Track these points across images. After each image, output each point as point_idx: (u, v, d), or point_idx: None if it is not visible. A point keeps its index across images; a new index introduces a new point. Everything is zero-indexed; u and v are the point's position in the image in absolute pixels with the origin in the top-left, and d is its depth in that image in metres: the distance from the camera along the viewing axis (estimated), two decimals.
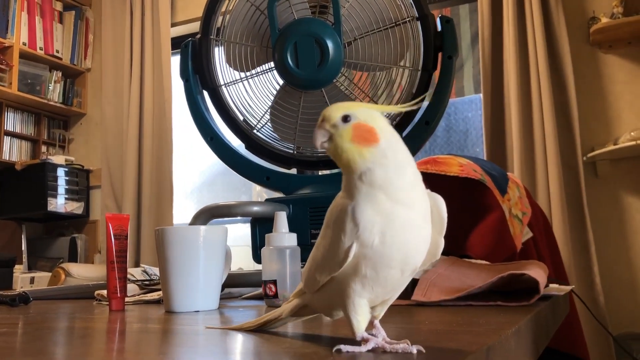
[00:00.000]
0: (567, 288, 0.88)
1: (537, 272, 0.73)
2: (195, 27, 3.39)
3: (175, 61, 3.39)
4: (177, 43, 3.45)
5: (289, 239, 0.79)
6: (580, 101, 2.33)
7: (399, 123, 1.06)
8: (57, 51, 3.43)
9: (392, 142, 0.36)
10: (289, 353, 0.37)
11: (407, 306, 0.72)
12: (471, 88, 2.83)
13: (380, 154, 0.36)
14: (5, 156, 3.24)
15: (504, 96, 2.48)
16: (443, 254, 0.98)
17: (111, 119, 3.35)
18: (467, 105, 3.01)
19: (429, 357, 0.33)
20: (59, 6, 3.51)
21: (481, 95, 2.56)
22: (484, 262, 0.96)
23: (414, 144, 1.03)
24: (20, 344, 0.45)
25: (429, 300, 0.71)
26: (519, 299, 0.68)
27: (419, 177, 0.37)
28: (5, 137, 3.24)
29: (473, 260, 0.96)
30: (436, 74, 1.07)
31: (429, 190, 0.39)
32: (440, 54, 1.05)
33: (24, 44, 3.24)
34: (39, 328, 0.58)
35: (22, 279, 2.97)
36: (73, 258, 3.25)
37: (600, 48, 2.37)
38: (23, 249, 3.26)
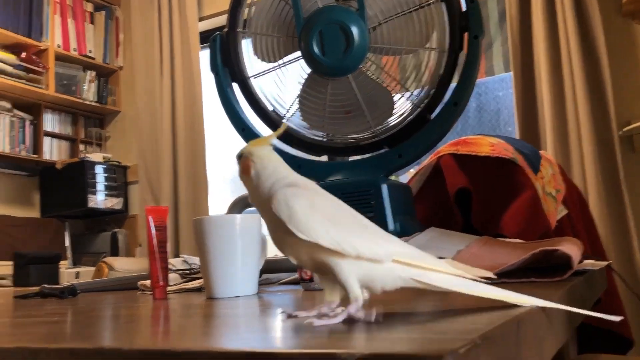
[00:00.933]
0: (603, 263, 0.88)
1: (570, 247, 0.74)
2: (222, 20, 3.42)
3: (204, 55, 3.43)
4: (205, 37, 3.49)
5: None
6: (614, 74, 2.28)
7: (427, 106, 1.06)
8: (90, 51, 3.51)
9: (264, 167, 0.45)
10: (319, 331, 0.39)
11: None
12: (501, 66, 2.79)
13: (255, 178, 0.46)
14: (46, 156, 3.34)
15: (535, 73, 2.44)
16: (477, 234, 0.98)
17: (145, 115, 3.42)
18: (498, 84, 2.97)
19: (462, 330, 0.34)
20: (89, 7, 3.59)
21: (511, 73, 2.53)
22: (517, 240, 0.96)
23: (442, 125, 1.03)
24: (72, 330, 0.48)
25: None
26: (553, 275, 0.69)
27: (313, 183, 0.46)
28: (45, 137, 3.35)
29: (507, 240, 0.96)
30: (463, 55, 1.07)
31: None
32: (466, 34, 1.05)
33: (59, 46, 3.33)
34: (88, 316, 0.61)
35: (68, 274, 3.08)
36: (114, 252, 3.35)
37: (634, 19, 2.31)
38: (67, 245, 3.37)
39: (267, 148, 0.47)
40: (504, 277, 0.71)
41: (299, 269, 0.80)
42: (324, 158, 1.17)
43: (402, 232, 0.97)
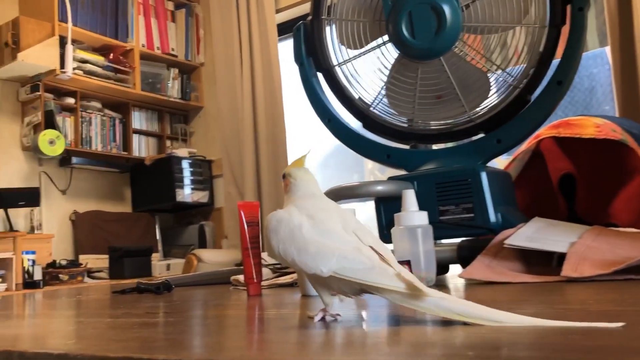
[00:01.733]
0: None
1: None
2: (299, 11, 3.41)
3: (282, 47, 3.44)
4: (283, 29, 3.50)
5: (420, 218, 0.76)
6: None
7: (527, 86, 0.98)
8: (173, 49, 3.61)
9: (298, 187, 0.54)
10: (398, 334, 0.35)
11: (556, 283, 0.67)
12: (595, 41, 2.60)
13: (288, 195, 0.54)
14: (135, 153, 3.47)
15: (635, 46, 2.25)
16: (586, 224, 0.90)
17: (227, 110, 3.47)
18: (592, 61, 2.77)
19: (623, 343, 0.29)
20: (170, 6, 3.68)
21: (607, 48, 2.35)
22: (633, 230, 0.87)
23: (545, 106, 0.96)
24: (178, 334, 0.47)
25: (582, 276, 0.66)
26: None
27: (321, 197, 0.53)
28: (133, 135, 3.48)
29: (621, 229, 0.88)
30: (565, 29, 0.98)
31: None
32: (568, 7, 0.96)
33: (143, 45, 3.44)
34: (188, 317, 0.60)
35: (159, 266, 3.19)
36: (202, 244, 3.44)
37: None
38: (157, 238, 3.50)
39: (302, 169, 0.55)
40: (631, 273, 0.64)
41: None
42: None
43: (505, 224, 0.90)
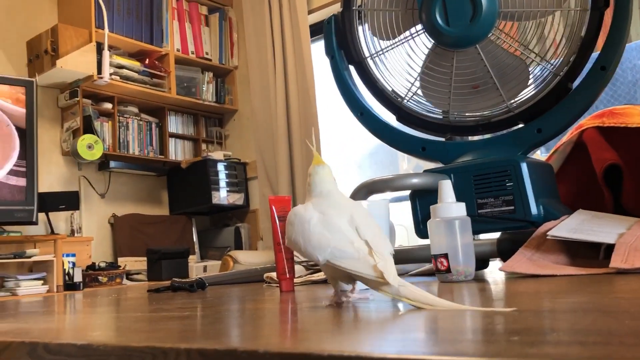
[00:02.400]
0: None
1: None
2: (331, 10, 3.40)
3: (315, 48, 3.43)
4: (315, 30, 3.49)
5: (457, 209, 0.73)
6: None
7: (568, 73, 0.94)
8: (207, 53, 3.64)
9: (317, 183, 0.58)
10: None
11: (604, 275, 0.63)
12: None
13: (311, 191, 0.58)
14: (172, 156, 3.51)
15: None
16: (635, 215, 0.85)
17: (260, 112, 3.48)
18: (636, 53, 2.67)
19: None
20: (204, 10, 3.72)
21: None
22: None
23: (588, 94, 0.91)
24: (202, 328, 0.45)
25: (632, 267, 0.62)
26: None
27: (336, 194, 0.58)
28: (169, 138, 3.52)
29: None
30: (608, 13, 0.94)
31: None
32: None
33: (178, 50, 3.48)
34: (217, 311, 0.59)
35: (196, 267, 3.22)
36: (238, 246, 3.45)
37: None
38: (194, 240, 3.53)
39: (321, 167, 0.58)
40: None
41: (434, 259, 0.73)
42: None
43: (547, 216, 0.86)
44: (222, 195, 3.42)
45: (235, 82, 3.80)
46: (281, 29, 3.39)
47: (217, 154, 3.52)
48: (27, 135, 2.67)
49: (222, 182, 3.44)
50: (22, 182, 2.63)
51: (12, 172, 2.61)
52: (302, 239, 0.54)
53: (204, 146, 3.70)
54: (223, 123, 3.86)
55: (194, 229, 3.56)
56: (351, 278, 0.53)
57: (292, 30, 3.35)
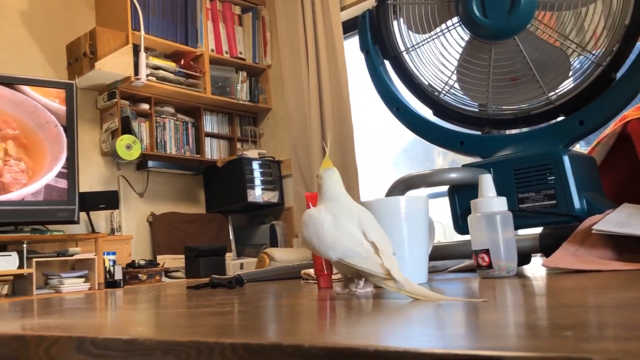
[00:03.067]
0: None
1: None
2: (364, 6, 3.38)
3: (348, 45, 3.42)
4: (348, 27, 3.48)
5: (499, 204, 0.72)
6: None
7: (611, 63, 0.91)
8: (241, 52, 3.67)
9: (327, 188, 0.64)
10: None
11: None
12: None
13: (321, 194, 0.64)
14: (208, 155, 3.56)
15: None
16: None
17: (294, 110, 3.50)
18: None
19: None
20: (237, 10, 3.75)
21: None
22: None
23: (633, 84, 0.88)
24: (244, 323, 0.45)
25: None
26: None
27: (344, 198, 0.63)
28: (205, 138, 3.56)
29: None
30: None
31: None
32: None
33: (212, 50, 3.51)
34: (257, 306, 0.59)
35: (233, 265, 3.25)
36: (274, 243, 3.47)
37: None
38: (231, 238, 3.57)
39: (329, 170, 0.64)
40: None
41: (475, 255, 0.72)
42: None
43: (590, 210, 0.84)
44: (257, 193, 3.44)
45: (269, 81, 3.82)
46: (314, 27, 3.39)
47: (252, 153, 3.55)
48: (68, 137, 2.74)
49: (257, 180, 3.46)
50: (63, 183, 2.70)
51: (58, 174, 2.69)
52: (316, 239, 0.60)
53: (238, 145, 3.74)
54: (257, 122, 3.88)
55: (230, 227, 3.60)
56: (359, 274, 0.59)
57: (325, 27, 3.35)
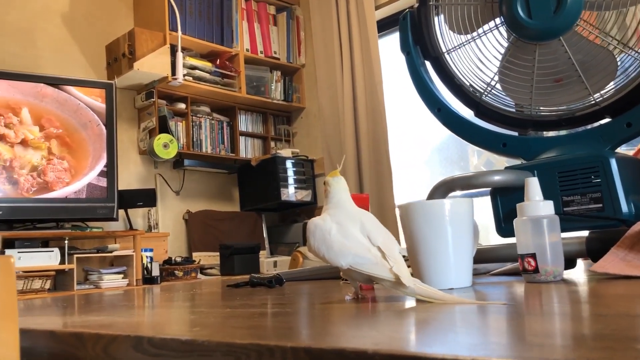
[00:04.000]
0: None
1: None
2: (399, 5, 3.37)
3: (382, 43, 3.41)
4: (382, 25, 3.47)
5: (545, 207, 0.71)
6: None
7: None
8: (275, 52, 3.69)
9: (333, 194, 0.67)
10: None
11: None
12: None
13: (327, 201, 0.67)
14: (242, 154, 3.59)
15: None
16: None
17: (327, 109, 3.50)
18: None
19: None
20: (272, 9, 3.77)
21: None
22: None
23: None
24: (300, 323, 0.46)
25: None
26: None
27: (348, 205, 0.66)
28: (240, 137, 3.60)
29: None
30: None
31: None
32: None
33: (247, 50, 3.54)
34: (306, 307, 0.60)
35: (267, 263, 3.27)
36: (306, 242, 3.48)
37: None
38: (264, 236, 3.59)
39: (336, 179, 0.67)
40: None
41: (521, 259, 0.71)
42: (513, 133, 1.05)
43: (639, 214, 0.82)
44: (291, 192, 3.46)
45: (303, 80, 3.83)
46: (348, 26, 3.39)
47: (286, 152, 3.56)
48: (107, 136, 2.80)
49: (291, 179, 3.48)
50: (103, 181, 2.76)
51: (99, 173, 2.75)
52: (324, 247, 0.62)
53: (272, 144, 3.76)
54: (291, 121, 3.90)
55: (263, 225, 3.62)
56: (370, 279, 0.61)
57: (360, 26, 3.35)
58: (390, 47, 3.58)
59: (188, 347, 0.40)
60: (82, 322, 0.60)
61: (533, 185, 0.72)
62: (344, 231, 0.62)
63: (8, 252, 2.37)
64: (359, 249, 0.60)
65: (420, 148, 3.52)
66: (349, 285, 0.93)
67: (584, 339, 0.30)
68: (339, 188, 0.66)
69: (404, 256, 1.09)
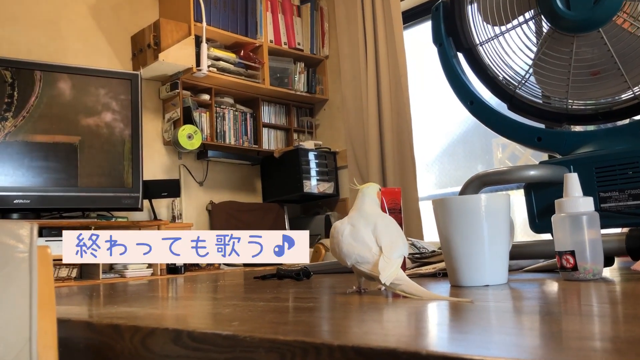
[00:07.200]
0: None
1: None
2: None
3: (407, 35, 3.37)
4: (408, 17, 3.43)
5: (585, 204, 0.69)
6: None
7: None
8: (299, 44, 3.68)
9: (362, 201, 0.73)
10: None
11: None
12: None
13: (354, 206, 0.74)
14: (265, 146, 3.59)
15: None
16: None
17: (351, 101, 3.48)
18: None
19: None
20: (296, 1, 3.75)
21: None
22: None
23: None
24: (339, 319, 0.45)
25: None
26: None
27: (365, 210, 0.72)
28: (263, 128, 3.60)
29: None
30: None
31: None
32: None
33: (271, 41, 3.53)
34: (341, 303, 0.59)
35: None
36: (328, 234, 3.47)
37: None
38: (287, 227, 3.60)
39: (370, 187, 0.74)
40: None
41: (559, 256, 0.69)
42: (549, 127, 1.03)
43: None
44: (313, 184, 3.46)
45: (326, 72, 3.81)
46: (373, 17, 3.36)
47: (308, 144, 3.56)
48: (132, 126, 2.82)
49: (313, 171, 3.47)
50: (129, 171, 2.78)
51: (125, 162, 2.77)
52: (337, 248, 0.69)
53: (295, 135, 3.76)
54: (314, 113, 3.89)
55: (286, 217, 3.63)
56: (371, 277, 0.65)
57: (384, 17, 3.31)
58: (414, 38, 3.54)
59: (230, 342, 0.40)
60: (117, 312, 0.60)
61: (572, 181, 0.70)
62: (355, 233, 0.68)
63: None
64: (362, 250, 0.66)
65: (443, 140, 3.49)
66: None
67: (622, 342, 0.28)
68: (364, 194, 0.73)
69: (433, 251, 1.08)
